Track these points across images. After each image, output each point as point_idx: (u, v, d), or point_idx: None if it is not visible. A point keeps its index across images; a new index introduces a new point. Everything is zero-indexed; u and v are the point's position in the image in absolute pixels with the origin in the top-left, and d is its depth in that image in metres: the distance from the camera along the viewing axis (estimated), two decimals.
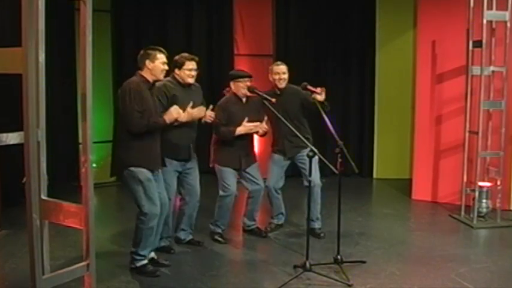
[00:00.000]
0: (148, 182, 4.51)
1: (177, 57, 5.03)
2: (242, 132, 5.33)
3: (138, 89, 4.46)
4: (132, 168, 4.49)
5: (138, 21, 8.58)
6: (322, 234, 5.70)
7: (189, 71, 4.99)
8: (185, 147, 5.03)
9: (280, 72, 5.65)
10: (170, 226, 5.22)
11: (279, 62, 5.81)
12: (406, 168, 8.68)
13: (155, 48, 4.61)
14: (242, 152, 5.48)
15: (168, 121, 4.58)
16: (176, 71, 5.02)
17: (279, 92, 5.67)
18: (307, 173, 5.61)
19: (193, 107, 4.86)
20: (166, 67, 4.61)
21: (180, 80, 5.02)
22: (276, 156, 5.81)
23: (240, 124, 5.35)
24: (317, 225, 5.73)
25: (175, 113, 4.61)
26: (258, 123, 5.36)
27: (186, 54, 5.08)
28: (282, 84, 5.66)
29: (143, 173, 4.50)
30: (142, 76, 4.57)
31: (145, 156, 4.51)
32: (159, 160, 4.69)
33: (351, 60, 9.09)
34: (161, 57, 4.56)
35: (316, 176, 5.50)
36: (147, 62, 4.53)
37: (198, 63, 5.08)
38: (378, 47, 8.86)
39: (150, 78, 4.57)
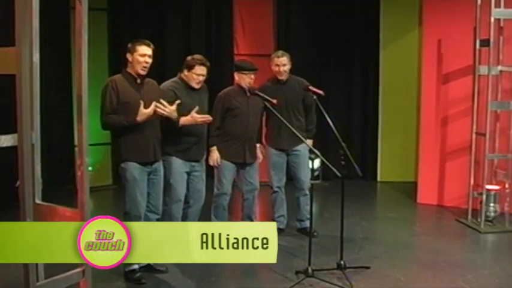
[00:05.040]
0: (134, 182, 4.51)
1: (189, 58, 4.98)
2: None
3: (114, 85, 4.44)
4: (122, 165, 4.53)
5: (135, 19, 8.58)
6: (315, 233, 5.71)
7: (197, 75, 4.92)
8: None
9: (280, 64, 5.68)
10: None
11: (280, 53, 5.79)
12: (411, 171, 8.67)
13: (138, 40, 4.57)
14: (247, 146, 5.46)
15: (140, 120, 4.41)
16: (185, 72, 4.96)
17: (281, 81, 5.73)
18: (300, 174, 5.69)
19: (198, 112, 4.81)
20: (147, 60, 4.50)
21: (187, 82, 5.00)
22: (275, 151, 5.81)
23: (244, 118, 5.39)
24: (309, 224, 5.71)
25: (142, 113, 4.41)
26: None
27: (199, 57, 4.97)
28: (282, 76, 5.70)
29: (131, 170, 4.50)
30: (125, 71, 4.56)
31: (133, 150, 4.49)
32: (150, 151, 4.58)
33: (354, 59, 9.09)
34: (141, 49, 4.49)
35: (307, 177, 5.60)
36: (128, 54, 4.52)
37: (208, 69, 5.00)
38: (381, 47, 8.86)
39: (134, 72, 4.53)
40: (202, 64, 4.95)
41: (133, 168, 4.51)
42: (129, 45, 4.55)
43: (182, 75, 5.00)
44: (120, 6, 8.52)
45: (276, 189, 5.87)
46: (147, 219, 4.66)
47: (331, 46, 9.00)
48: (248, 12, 8.85)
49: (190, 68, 4.94)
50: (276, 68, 5.68)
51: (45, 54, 3.00)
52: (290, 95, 5.64)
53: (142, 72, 4.54)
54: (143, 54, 4.49)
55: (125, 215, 4.54)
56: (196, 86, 4.97)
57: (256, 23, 8.85)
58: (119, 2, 8.48)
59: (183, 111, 4.82)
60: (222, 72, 8.42)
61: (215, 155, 5.41)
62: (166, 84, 4.95)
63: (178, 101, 4.72)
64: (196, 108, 4.81)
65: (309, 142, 5.55)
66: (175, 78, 5.03)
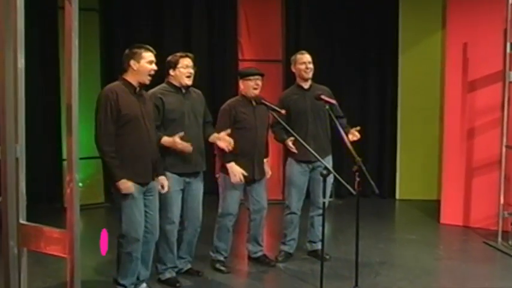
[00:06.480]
0: (131, 201, 4.46)
1: (169, 58, 5.02)
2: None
3: (115, 97, 4.39)
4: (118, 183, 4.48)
5: (130, 20, 8.63)
6: (327, 256, 5.70)
7: (184, 68, 4.96)
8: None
9: (307, 61, 5.74)
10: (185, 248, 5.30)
11: (303, 51, 5.88)
12: (433, 188, 8.65)
13: (141, 46, 4.57)
14: (256, 160, 5.43)
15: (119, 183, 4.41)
16: (171, 72, 5.00)
17: (306, 87, 5.77)
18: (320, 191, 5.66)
19: (182, 138, 4.78)
20: (154, 67, 4.54)
21: (176, 84, 5.00)
22: (299, 168, 5.77)
23: (252, 130, 5.37)
24: (321, 246, 5.68)
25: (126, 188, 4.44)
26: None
27: (178, 53, 5.07)
28: (309, 74, 5.76)
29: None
30: (124, 80, 4.53)
31: (130, 170, 4.44)
32: (148, 172, 4.56)
33: (370, 65, 9.11)
34: (148, 56, 4.50)
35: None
36: (132, 62, 4.48)
37: (194, 60, 5.06)
38: (401, 51, 8.88)
39: (136, 82, 4.52)
40: (186, 56, 5.01)
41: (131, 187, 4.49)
42: (129, 51, 4.52)
43: (169, 78, 5.03)
44: (114, 7, 8.55)
45: (294, 210, 5.83)
46: (146, 241, 4.63)
47: (344, 50, 9.02)
48: (254, 14, 8.86)
49: (174, 65, 4.98)
50: (303, 67, 5.71)
51: (31, 59, 3.01)
52: (315, 102, 5.64)
53: (148, 82, 4.55)
54: (151, 61, 4.52)
55: (122, 238, 4.51)
56: (188, 81, 4.99)
57: (263, 25, 8.85)
58: (112, 2, 8.51)
59: (173, 117, 4.87)
60: (226, 79, 8.46)
61: (236, 170, 5.26)
62: (154, 91, 4.96)
63: (181, 133, 4.78)
64: (182, 133, 4.80)
65: (357, 133, 5.64)
66: (163, 84, 5.05)
